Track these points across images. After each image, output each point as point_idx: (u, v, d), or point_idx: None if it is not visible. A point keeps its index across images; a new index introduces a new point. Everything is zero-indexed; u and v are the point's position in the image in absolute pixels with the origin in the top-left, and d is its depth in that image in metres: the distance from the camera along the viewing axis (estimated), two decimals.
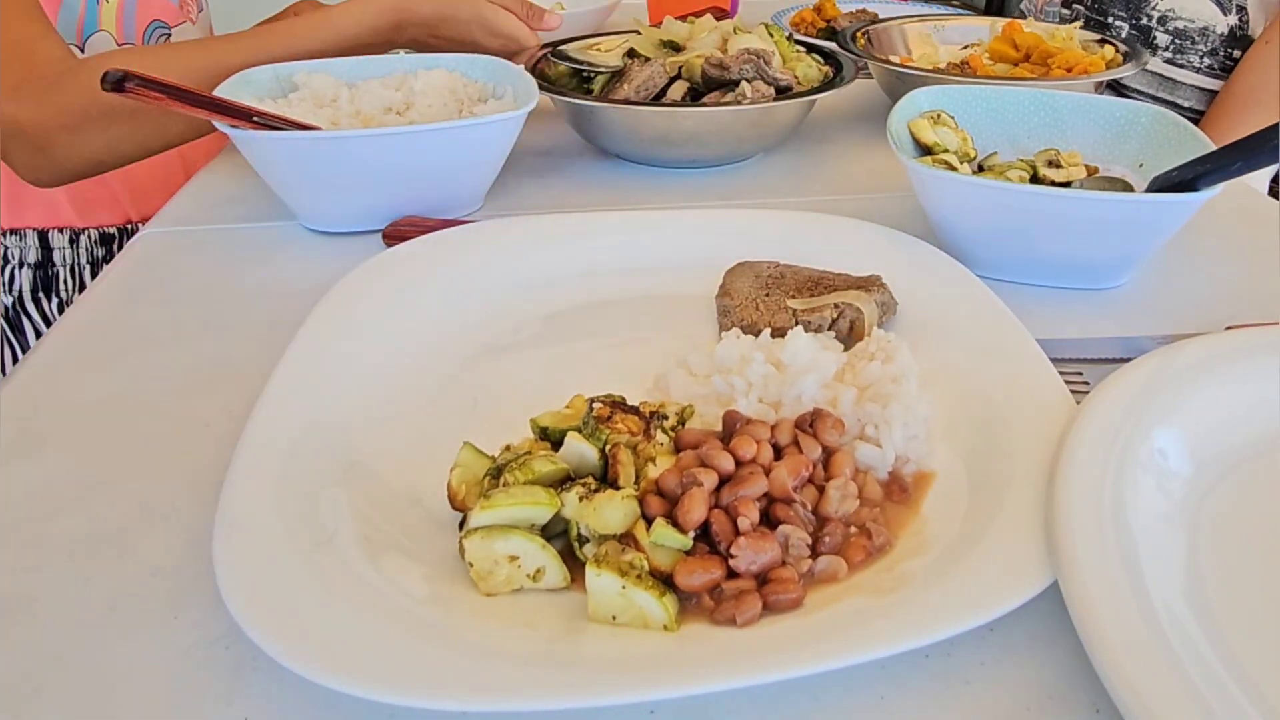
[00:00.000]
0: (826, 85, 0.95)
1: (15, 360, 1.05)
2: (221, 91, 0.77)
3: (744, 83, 0.91)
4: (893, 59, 1.15)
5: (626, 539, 0.43)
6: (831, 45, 1.07)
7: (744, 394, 0.52)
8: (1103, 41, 1.12)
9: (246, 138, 0.73)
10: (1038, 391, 0.52)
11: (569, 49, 1.01)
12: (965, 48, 1.19)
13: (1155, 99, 1.36)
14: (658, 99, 0.92)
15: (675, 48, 0.98)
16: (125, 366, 0.61)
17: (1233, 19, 1.32)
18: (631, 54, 0.98)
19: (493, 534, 0.42)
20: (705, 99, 0.92)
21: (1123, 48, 1.09)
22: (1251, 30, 1.32)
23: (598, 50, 1.03)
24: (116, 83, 0.65)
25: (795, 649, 0.38)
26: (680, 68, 0.94)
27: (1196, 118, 1.35)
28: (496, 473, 0.45)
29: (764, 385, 0.52)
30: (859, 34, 1.17)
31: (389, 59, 0.91)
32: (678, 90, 0.93)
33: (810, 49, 1.05)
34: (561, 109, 0.95)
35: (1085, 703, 0.39)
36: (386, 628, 0.38)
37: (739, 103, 0.89)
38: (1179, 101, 1.35)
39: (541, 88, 0.86)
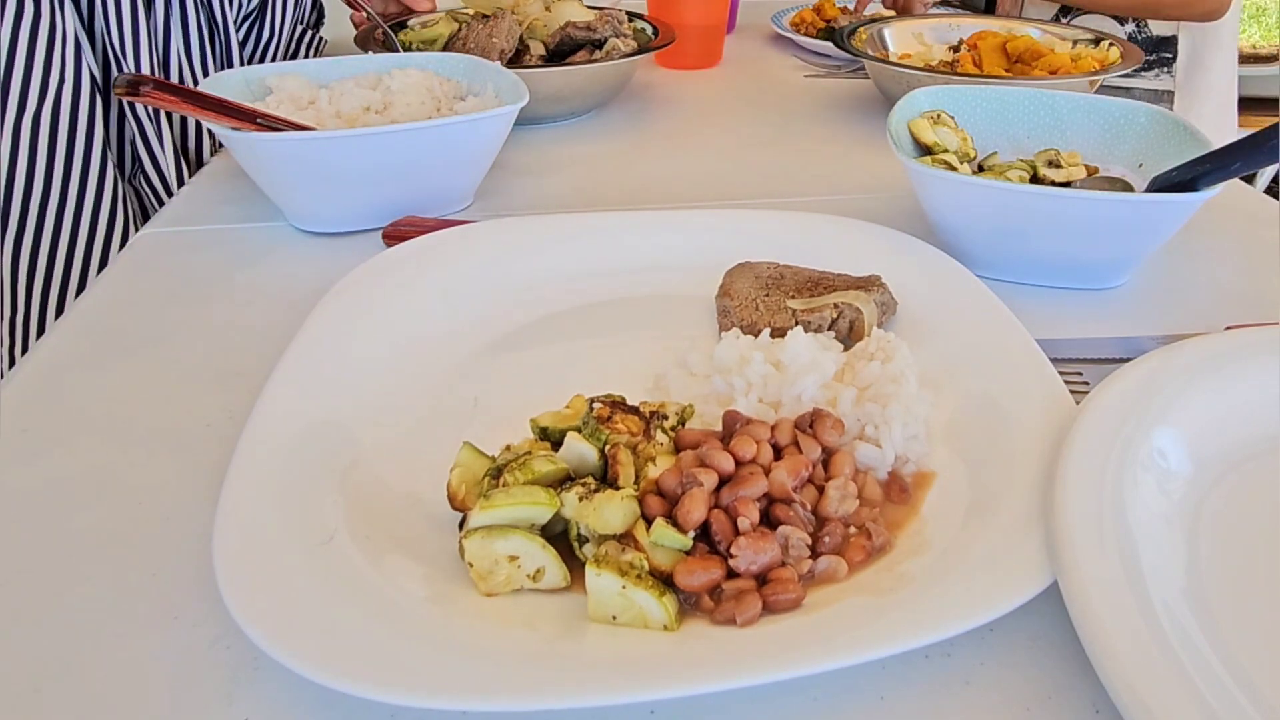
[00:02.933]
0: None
1: None
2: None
3: (614, 39, 1.07)
4: (890, 57, 1.15)
5: (626, 539, 0.43)
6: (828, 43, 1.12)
7: (744, 394, 0.52)
8: (1096, 41, 1.12)
9: (245, 139, 0.73)
10: (1038, 391, 0.52)
11: (412, 36, 1.13)
12: (958, 46, 1.19)
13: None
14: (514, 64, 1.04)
15: None
16: (125, 366, 0.61)
17: (1129, 26, 1.46)
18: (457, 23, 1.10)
19: (493, 534, 0.42)
20: (573, 58, 1.06)
21: (1119, 48, 1.09)
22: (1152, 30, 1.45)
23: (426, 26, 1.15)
24: (131, 86, 0.66)
25: (795, 649, 0.38)
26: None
27: None
28: (496, 473, 0.45)
29: (764, 385, 0.52)
30: (856, 32, 1.18)
31: (359, 59, 0.92)
32: (532, 56, 1.07)
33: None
34: None
35: (1085, 703, 0.39)
36: (386, 628, 0.38)
37: (611, 57, 1.05)
38: None
39: None
